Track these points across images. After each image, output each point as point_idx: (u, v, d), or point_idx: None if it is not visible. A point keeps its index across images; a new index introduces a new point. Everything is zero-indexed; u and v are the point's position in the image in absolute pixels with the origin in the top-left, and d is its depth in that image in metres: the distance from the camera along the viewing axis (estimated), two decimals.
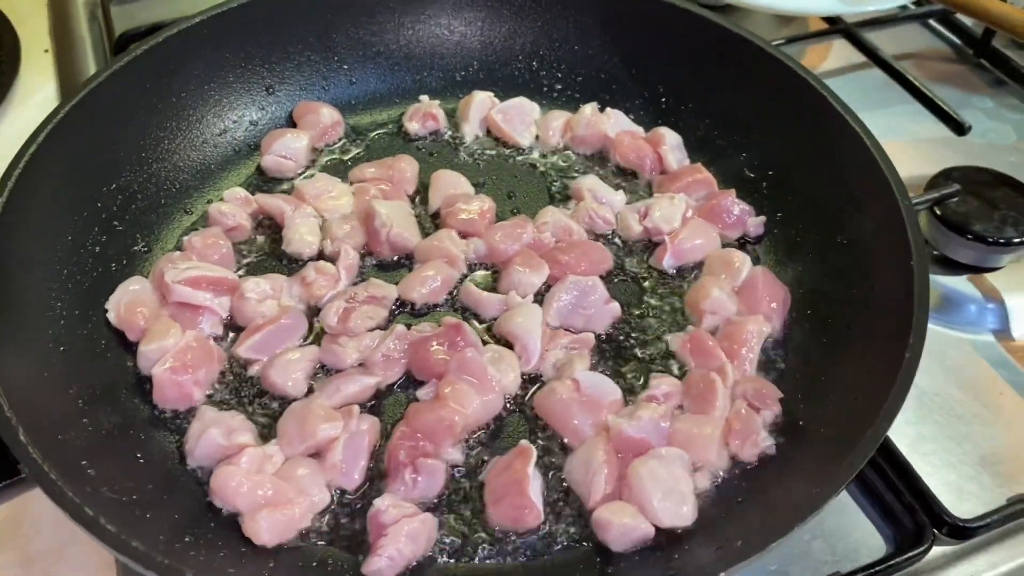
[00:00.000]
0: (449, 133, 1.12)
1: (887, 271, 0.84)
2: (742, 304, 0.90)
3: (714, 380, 0.81)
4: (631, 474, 0.75)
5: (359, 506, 0.77)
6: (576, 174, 1.07)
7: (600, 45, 1.14)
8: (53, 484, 0.63)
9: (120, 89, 0.97)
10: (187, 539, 0.70)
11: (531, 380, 0.86)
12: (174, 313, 0.87)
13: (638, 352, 0.89)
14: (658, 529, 0.74)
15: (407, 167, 1.03)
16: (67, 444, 0.72)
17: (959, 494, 0.87)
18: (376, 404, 0.85)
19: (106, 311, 0.87)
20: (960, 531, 0.82)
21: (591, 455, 0.77)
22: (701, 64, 1.08)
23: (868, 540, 0.84)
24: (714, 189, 1.02)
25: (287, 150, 1.04)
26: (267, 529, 0.72)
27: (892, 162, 0.88)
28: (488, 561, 0.75)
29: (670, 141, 1.05)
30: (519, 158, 1.09)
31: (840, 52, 1.43)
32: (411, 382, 0.86)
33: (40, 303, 0.82)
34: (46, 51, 1.44)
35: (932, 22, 1.47)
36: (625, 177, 1.07)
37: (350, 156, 1.09)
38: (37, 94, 1.37)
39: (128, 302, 0.87)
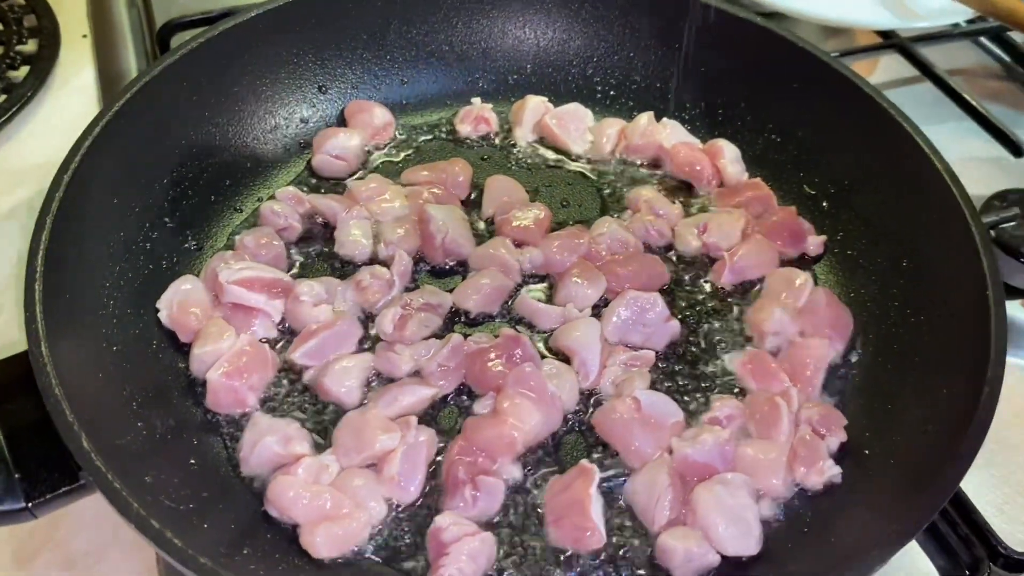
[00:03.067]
0: (501, 137, 1.10)
1: (958, 300, 0.82)
2: (804, 325, 0.89)
3: (779, 404, 0.80)
4: (696, 499, 0.74)
5: (415, 521, 0.76)
6: (630, 184, 1.05)
7: (656, 54, 1.12)
8: (118, 494, 0.61)
9: (174, 82, 0.95)
10: (245, 551, 0.68)
11: (588, 396, 0.85)
12: (227, 314, 0.85)
13: (695, 371, 0.87)
14: (723, 557, 0.73)
15: (461, 171, 1.01)
16: (124, 449, 0.70)
17: (1014, 525, 0.86)
18: (430, 415, 0.83)
19: (157, 310, 0.85)
20: (1017, 564, 0.80)
21: (654, 478, 0.75)
22: (760, 76, 1.06)
23: (922, 573, 0.83)
24: (773, 205, 1.00)
25: (339, 149, 1.03)
26: (324, 542, 0.71)
27: (964, 186, 0.87)
28: None
29: (728, 154, 1.04)
30: (572, 165, 1.08)
31: (887, 66, 1.40)
32: (465, 393, 0.85)
33: (94, 301, 0.81)
34: (84, 36, 1.42)
35: (983, 40, 1.45)
36: (679, 189, 1.05)
37: (401, 158, 1.07)
38: (76, 79, 1.35)
39: (180, 302, 0.85)
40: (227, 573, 0.59)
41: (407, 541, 0.74)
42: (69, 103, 1.32)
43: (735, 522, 0.72)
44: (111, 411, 0.73)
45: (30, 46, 1.36)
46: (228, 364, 0.80)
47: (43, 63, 1.34)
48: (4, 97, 1.27)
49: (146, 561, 0.83)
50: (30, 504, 0.65)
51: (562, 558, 0.74)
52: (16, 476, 0.65)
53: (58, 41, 1.38)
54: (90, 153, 0.84)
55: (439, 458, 0.79)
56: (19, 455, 0.66)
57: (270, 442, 0.75)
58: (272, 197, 0.98)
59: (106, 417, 0.71)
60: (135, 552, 0.83)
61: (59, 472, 0.66)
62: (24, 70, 1.32)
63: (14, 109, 1.26)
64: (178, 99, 0.96)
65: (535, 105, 1.09)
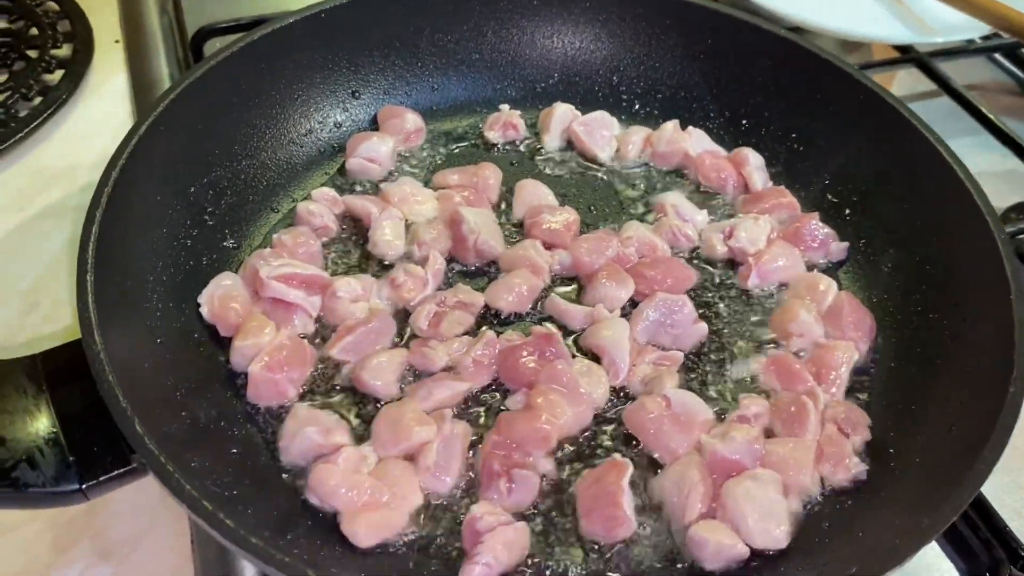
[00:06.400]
0: (528, 143, 1.13)
1: (981, 305, 0.84)
2: (827, 329, 0.91)
3: (806, 403, 0.82)
4: (726, 494, 0.75)
5: (450, 511, 0.77)
6: (654, 191, 1.08)
7: (682, 64, 1.14)
8: (171, 477, 0.63)
9: (215, 85, 0.98)
10: (288, 536, 0.70)
11: (617, 394, 0.87)
12: (267, 310, 0.87)
13: (721, 372, 0.89)
14: (752, 550, 0.74)
15: (491, 175, 1.04)
16: (170, 436, 0.72)
17: None
18: (462, 410, 0.85)
19: (199, 305, 0.88)
20: None
21: (685, 473, 0.77)
22: (784, 87, 1.09)
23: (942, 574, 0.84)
24: (797, 212, 1.02)
25: (372, 153, 1.05)
26: (365, 531, 0.73)
27: (987, 195, 0.89)
28: (576, 571, 0.75)
29: (753, 162, 1.06)
30: (597, 171, 1.10)
31: (904, 80, 1.43)
32: (497, 389, 0.87)
33: (139, 294, 0.83)
34: (117, 42, 1.45)
35: (998, 56, 1.48)
36: (704, 196, 1.07)
37: (431, 162, 1.10)
38: (109, 84, 1.38)
39: (221, 296, 0.87)
40: (278, 553, 0.61)
41: (443, 530, 0.76)
42: (102, 106, 1.35)
43: (764, 516, 0.74)
44: (157, 400, 0.75)
45: (64, 51, 1.40)
46: (268, 357, 0.82)
47: (77, 67, 1.37)
48: (40, 100, 1.30)
49: (181, 550, 0.85)
50: (84, 486, 0.66)
51: (593, 548, 0.76)
52: (71, 459, 0.66)
53: (92, 46, 1.41)
54: (136, 151, 0.86)
55: (471, 452, 0.81)
56: (73, 439, 0.68)
57: (311, 432, 0.77)
58: (308, 197, 1.01)
59: (153, 405, 0.73)
60: (171, 541, 0.85)
61: (111, 456, 0.68)
62: (59, 74, 1.35)
63: (49, 111, 1.28)
64: (218, 101, 0.99)
65: (563, 112, 1.11)
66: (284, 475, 0.79)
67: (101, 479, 0.67)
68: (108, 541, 0.85)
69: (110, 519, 0.87)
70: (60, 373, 0.71)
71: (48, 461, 0.66)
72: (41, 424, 0.67)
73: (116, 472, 0.67)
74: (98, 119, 1.33)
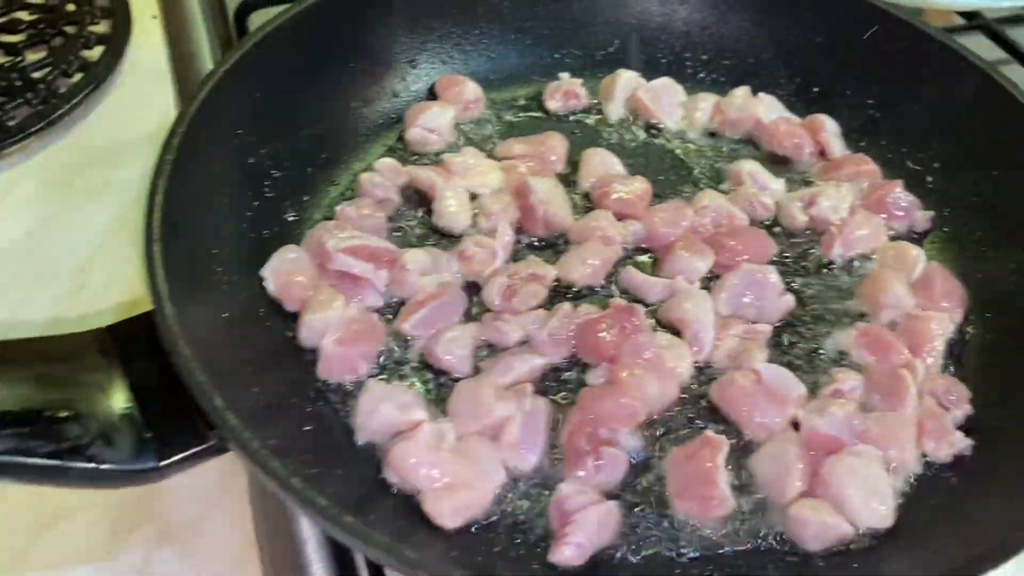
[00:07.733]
0: (591, 112, 1.09)
1: None
2: (919, 299, 0.87)
3: (904, 376, 0.78)
4: (828, 471, 0.72)
5: (533, 490, 0.74)
6: (724, 159, 1.03)
7: (749, 29, 1.10)
8: (257, 453, 0.60)
9: (269, 54, 0.94)
10: (371, 517, 0.67)
11: (700, 370, 0.83)
12: (333, 284, 0.84)
13: (808, 346, 0.86)
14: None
15: (557, 145, 1.00)
16: (245, 413, 0.68)
17: None
18: (540, 385, 0.81)
19: (262, 279, 0.84)
20: None
21: (783, 450, 0.73)
22: (858, 50, 1.04)
23: None
24: (879, 180, 0.98)
25: (433, 123, 1.01)
26: (451, 511, 0.69)
27: None
28: (668, 552, 0.71)
29: (830, 128, 1.02)
30: (663, 140, 1.06)
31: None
32: (574, 364, 0.83)
33: (203, 267, 0.80)
34: (154, 17, 1.42)
35: None
36: (776, 166, 1.03)
37: (491, 132, 1.06)
38: (148, 60, 1.35)
39: (286, 270, 0.84)
40: (376, 534, 0.57)
41: (528, 510, 0.73)
42: (142, 83, 1.32)
43: (869, 494, 0.70)
44: (229, 375, 0.71)
45: (103, 27, 1.36)
46: (340, 331, 0.79)
47: (117, 43, 1.33)
48: (81, 76, 1.27)
49: (245, 533, 0.82)
50: (161, 464, 0.63)
51: (684, 527, 0.72)
52: (148, 436, 0.63)
53: (130, 21, 1.38)
54: (195, 119, 0.83)
55: (552, 429, 0.77)
56: (148, 416, 0.65)
57: (388, 408, 0.74)
58: (369, 169, 0.97)
59: (226, 381, 0.70)
60: (233, 523, 0.82)
61: (188, 433, 0.64)
62: (99, 50, 1.31)
63: (90, 88, 1.25)
64: (273, 70, 0.94)
65: (627, 79, 1.07)
66: (359, 453, 0.76)
67: (179, 456, 0.64)
68: (169, 525, 0.82)
69: (170, 503, 0.84)
70: (131, 346, 0.68)
71: (125, 438, 0.62)
72: (116, 399, 0.64)
73: (194, 450, 0.64)
74: (139, 96, 1.30)
